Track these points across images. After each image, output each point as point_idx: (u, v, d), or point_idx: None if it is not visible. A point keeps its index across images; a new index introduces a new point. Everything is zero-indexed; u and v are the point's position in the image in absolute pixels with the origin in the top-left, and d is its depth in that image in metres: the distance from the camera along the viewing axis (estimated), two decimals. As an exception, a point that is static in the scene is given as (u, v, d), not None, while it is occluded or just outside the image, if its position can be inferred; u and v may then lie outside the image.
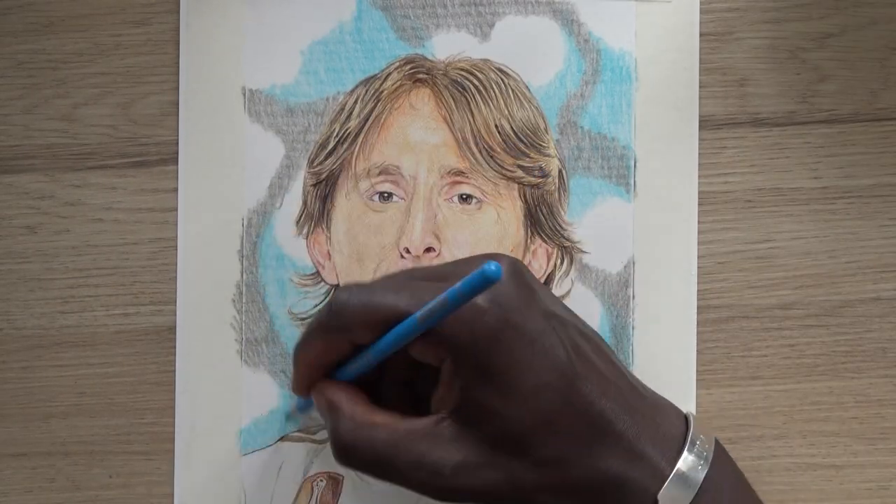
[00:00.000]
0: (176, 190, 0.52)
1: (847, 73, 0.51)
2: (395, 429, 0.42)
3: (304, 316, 0.52)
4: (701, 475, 0.42)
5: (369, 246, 0.51)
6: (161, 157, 0.52)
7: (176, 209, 0.52)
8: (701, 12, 0.51)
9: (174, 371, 0.51)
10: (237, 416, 0.51)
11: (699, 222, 0.51)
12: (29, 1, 0.52)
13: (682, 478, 0.41)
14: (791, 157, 0.51)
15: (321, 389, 0.44)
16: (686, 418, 0.44)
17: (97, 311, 0.52)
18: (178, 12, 0.52)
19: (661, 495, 0.41)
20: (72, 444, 0.52)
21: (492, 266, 0.37)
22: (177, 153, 0.52)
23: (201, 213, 0.52)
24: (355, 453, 0.42)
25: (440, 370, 0.42)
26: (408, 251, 0.50)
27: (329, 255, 0.52)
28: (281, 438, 0.51)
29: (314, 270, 0.52)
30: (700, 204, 0.51)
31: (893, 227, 0.51)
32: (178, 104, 0.52)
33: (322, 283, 0.52)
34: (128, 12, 0.52)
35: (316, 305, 0.52)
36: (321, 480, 0.51)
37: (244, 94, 0.52)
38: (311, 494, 0.51)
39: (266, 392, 0.51)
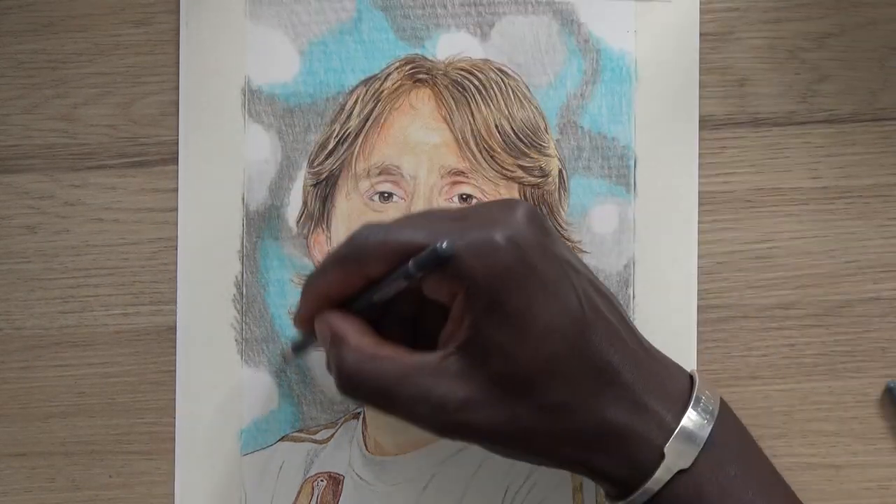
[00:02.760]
0: (176, 190, 0.52)
1: (847, 73, 0.51)
2: (402, 362, 0.42)
3: (304, 316, 0.51)
4: (706, 431, 0.42)
5: (369, 246, 0.51)
6: (161, 157, 0.52)
7: (176, 209, 0.52)
8: (701, 12, 0.51)
9: (174, 371, 0.51)
10: (237, 416, 0.51)
11: (699, 222, 0.51)
12: (29, 1, 0.52)
13: (688, 432, 0.42)
14: (791, 157, 0.51)
15: (326, 318, 0.44)
16: (691, 377, 0.44)
17: (97, 311, 0.52)
18: (178, 12, 0.52)
19: (667, 448, 0.41)
20: (72, 444, 0.52)
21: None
22: (177, 153, 0.52)
23: (201, 213, 0.52)
24: (360, 384, 0.42)
25: (447, 308, 0.42)
26: (408, 251, 0.50)
27: (329, 255, 0.52)
28: (281, 438, 0.51)
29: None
30: (700, 204, 0.51)
31: (893, 227, 0.51)
32: (178, 104, 0.52)
33: (322, 283, 0.52)
34: (128, 12, 0.52)
35: (316, 305, 0.52)
36: (321, 480, 0.51)
37: (244, 94, 0.52)
38: (311, 494, 0.51)
39: (266, 392, 0.51)
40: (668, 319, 0.51)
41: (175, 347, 0.51)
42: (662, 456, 0.41)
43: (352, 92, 0.52)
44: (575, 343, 0.41)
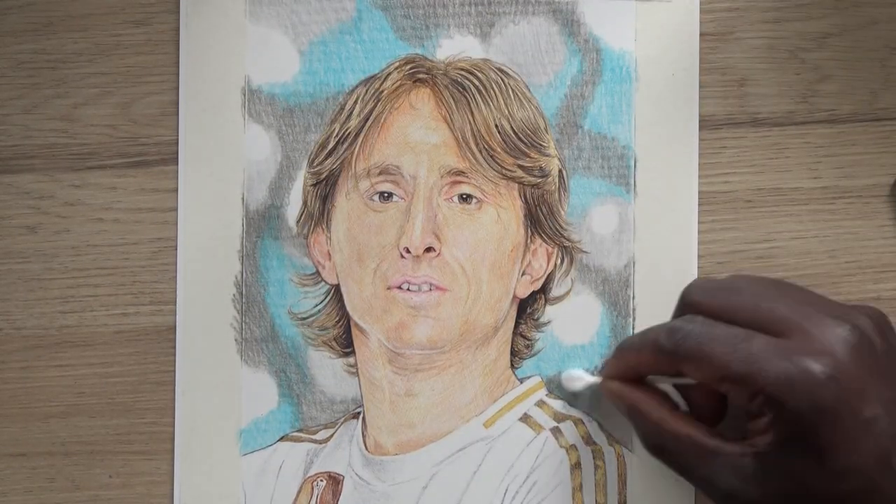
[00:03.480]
0: (176, 190, 0.52)
1: (847, 73, 0.51)
2: (701, 444, 0.44)
3: (304, 316, 0.52)
4: None
5: (369, 246, 0.51)
6: (161, 157, 0.52)
7: (176, 209, 0.52)
8: (701, 12, 0.51)
9: (174, 371, 0.51)
10: (237, 416, 0.51)
11: (699, 222, 0.51)
12: (29, 1, 0.52)
13: None
14: (791, 157, 0.51)
15: (625, 393, 0.47)
16: None
17: (97, 311, 0.52)
18: (178, 12, 0.52)
19: None
20: (72, 444, 0.52)
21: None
22: (177, 153, 0.52)
23: (201, 213, 0.52)
24: (663, 455, 0.45)
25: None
26: (408, 251, 0.50)
27: (329, 254, 0.52)
28: (280, 438, 0.51)
29: (314, 270, 0.52)
30: (700, 204, 0.51)
31: (893, 227, 0.51)
32: (178, 104, 0.52)
33: (322, 283, 0.52)
34: (128, 12, 0.52)
35: (316, 305, 0.52)
36: (321, 480, 0.51)
37: (244, 94, 0.52)
38: (311, 494, 0.51)
39: (266, 392, 0.51)
40: (668, 319, 0.51)
41: (175, 347, 0.51)
42: None
43: (352, 92, 0.52)
44: (875, 483, 0.41)
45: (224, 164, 0.52)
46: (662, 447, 0.45)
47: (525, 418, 0.51)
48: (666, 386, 0.47)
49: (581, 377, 0.50)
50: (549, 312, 0.51)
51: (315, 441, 0.51)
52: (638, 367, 0.47)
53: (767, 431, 0.42)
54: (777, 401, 0.41)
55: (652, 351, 0.45)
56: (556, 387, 0.51)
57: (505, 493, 0.51)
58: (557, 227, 0.51)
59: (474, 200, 0.51)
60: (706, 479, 0.44)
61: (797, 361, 0.41)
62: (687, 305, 0.46)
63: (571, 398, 0.51)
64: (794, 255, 0.51)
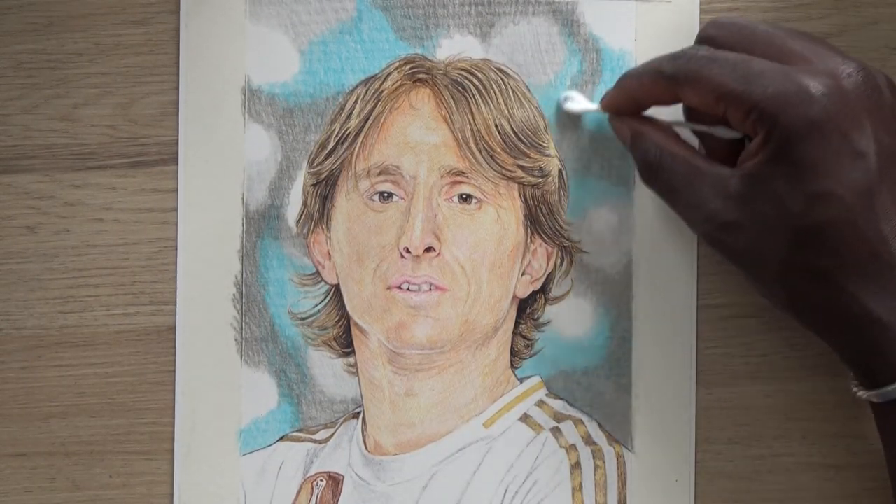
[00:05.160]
0: (176, 190, 0.52)
1: (847, 72, 0.51)
2: (695, 165, 0.44)
3: (303, 315, 0.52)
4: None
5: (369, 246, 0.51)
6: (161, 157, 0.52)
7: (176, 209, 0.52)
8: (701, 12, 0.51)
9: (174, 371, 0.51)
10: (237, 416, 0.51)
11: (699, 222, 0.51)
12: (29, 1, 0.52)
13: None
14: (791, 157, 0.51)
15: (627, 121, 0.48)
16: None
17: (97, 311, 0.52)
18: (178, 12, 0.52)
19: None
20: (72, 444, 0.52)
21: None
22: (177, 153, 0.52)
23: (201, 213, 0.52)
24: (657, 177, 0.46)
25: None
26: (408, 251, 0.50)
27: (329, 254, 0.52)
28: (280, 438, 0.51)
29: (314, 270, 0.52)
30: (700, 204, 0.51)
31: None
32: (178, 104, 0.52)
33: (322, 283, 0.52)
34: (128, 12, 0.52)
35: (316, 305, 0.52)
36: (321, 480, 0.51)
37: (244, 94, 0.52)
38: (311, 494, 0.51)
39: (266, 392, 0.51)
40: (668, 319, 0.51)
41: (175, 347, 0.51)
42: None
43: (352, 92, 0.52)
44: (852, 217, 0.41)
45: (224, 164, 0.52)
46: (659, 166, 0.45)
47: (525, 418, 0.51)
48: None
49: (581, 100, 0.51)
50: (549, 312, 0.51)
51: (315, 441, 0.51)
52: (638, 95, 0.47)
53: (758, 153, 0.42)
54: (770, 115, 0.41)
55: (653, 76, 0.45)
56: (556, 385, 0.51)
57: (505, 493, 0.51)
58: (557, 227, 0.51)
59: (474, 200, 0.51)
60: (692, 201, 0.44)
61: (796, 79, 0.41)
62: (701, 39, 0.46)
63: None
64: (794, 255, 0.51)
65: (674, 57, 0.45)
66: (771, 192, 0.42)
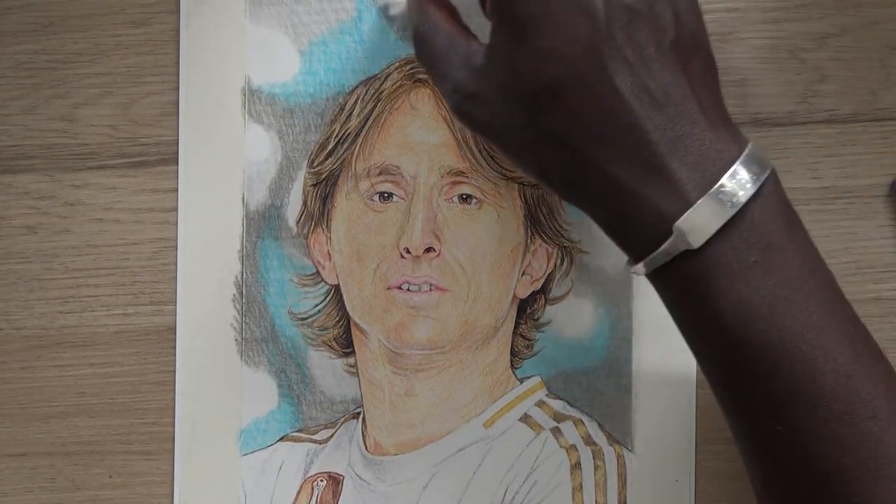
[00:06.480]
0: (176, 190, 0.52)
1: (847, 73, 0.51)
2: (453, 38, 0.43)
3: (303, 316, 0.52)
4: (724, 217, 0.37)
5: (369, 246, 0.51)
6: (161, 157, 0.52)
7: (176, 209, 0.52)
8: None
9: (174, 371, 0.51)
10: (237, 416, 0.51)
11: (699, 222, 0.51)
12: (29, 1, 0.52)
13: (711, 205, 0.37)
14: (791, 157, 0.51)
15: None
16: (746, 142, 0.39)
17: (97, 311, 0.52)
18: (178, 12, 0.52)
19: (679, 223, 0.37)
20: (72, 444, 0.52)
21: None
22: (177, 153, 0.52)
23: (201, 213, 0.52)
24: (420, 47, 0.44)
25: None
26: (408, 251, 0.50)
27: (329, 255, 0.52)
28: (280, 438, 0.51)
29: (314, 270, 0.52)
30: (700, 204, 0.51)
31: (893, 227, 0.51)
32: (178, 104, 0.52)
33: (322, 283, 0.52)
34: (128, 12, 0.52)
35: (316, 305, 0.52)
36: (321, 480, 0.51)
37: (244, 94, 0.52)
38: (311, 494, 0.51)
39: (266, 392, 0.51)
40: (668, 319, 0.51)
41: (175, 347, 0.51)
42: (670, 232, 0.38)
43: (352, 92, 0.52)
44: (581, 74, 0.39)
45: (224, 164, 0.52)
46: (424, 37, 0.43)
47: (525, 418, 0.51)
48: None
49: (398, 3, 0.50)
50: (549, 312, 0.51)
51: (315, 441, 0.51)
52: None
53: (491, 20, 0.41)
54: None
55: None
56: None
57: (505, 493, 0.51)
58: (557, 227, 0.51)
59: (474, 200, 0.51)
60: (442, 73, 0.42)
61: None
62: None
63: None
64: (794, 256, 0.51)
65: None
66: (504, 56, 0.40)
